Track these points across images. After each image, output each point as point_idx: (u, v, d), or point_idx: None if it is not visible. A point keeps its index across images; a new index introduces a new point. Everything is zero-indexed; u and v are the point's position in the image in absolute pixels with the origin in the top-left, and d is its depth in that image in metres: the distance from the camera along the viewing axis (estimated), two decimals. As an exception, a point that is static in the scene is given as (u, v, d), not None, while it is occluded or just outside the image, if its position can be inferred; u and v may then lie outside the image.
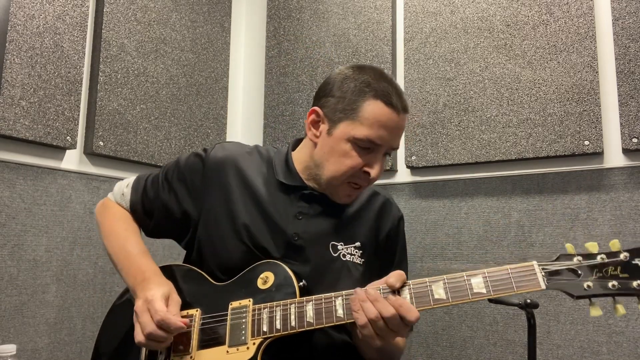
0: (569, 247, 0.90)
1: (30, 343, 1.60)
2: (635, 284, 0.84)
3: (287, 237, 1.09)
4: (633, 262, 0.85)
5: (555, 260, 0.90)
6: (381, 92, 1.04)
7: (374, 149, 1.05)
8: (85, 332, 1.75)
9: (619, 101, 1.66)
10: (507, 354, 1.76)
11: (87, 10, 1.81)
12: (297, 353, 1.04)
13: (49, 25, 1.68)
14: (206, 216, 1.14)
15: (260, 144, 1.27)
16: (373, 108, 1.03)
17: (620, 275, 0.85)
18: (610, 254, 0.87)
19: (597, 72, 1.71)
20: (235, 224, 1.11)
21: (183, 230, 1.19)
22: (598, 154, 1.70)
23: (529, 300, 1.29)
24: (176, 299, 1.03)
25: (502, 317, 1.78)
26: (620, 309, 0.85)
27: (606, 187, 1.68)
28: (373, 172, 1.06)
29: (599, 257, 0.87)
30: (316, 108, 1.11)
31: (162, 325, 0.96)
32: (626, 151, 1.65)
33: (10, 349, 1.04)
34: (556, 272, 0.88)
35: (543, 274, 0.88)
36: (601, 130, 1.68)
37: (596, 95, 1.70)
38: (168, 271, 1.16)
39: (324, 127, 1.09)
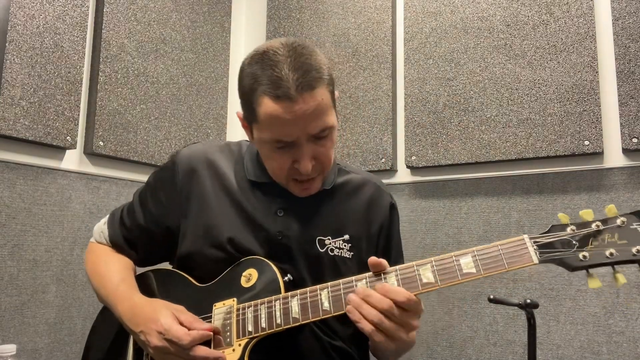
0: (562, 217, 0.85)
1: (30, 343, 1.60)
2: (634, 250, 0.78)
3: (270, 236, 1.04)
4: (631, 226, 0.80)
5: (547, 232, 0.85)
6: (266, 86, 0.91)
7: (292, 144, 0.95)
8: (85, 332, 1.73)
9: (619, 101, 1.66)
10: (507, 354, 1.76)
11: (87, 10, 1.81)
12: (286, 352, 1.01)
13: (49, 25, 1.68)
14: (186, 228, 1.09)
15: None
16: (264, 109, 0.92)
17: (619, 242, 0.80)
18: (606, 220, 0.82)
19: (597, 72, 1.71)
20: (218, 237, 1.05)
21: (172, 248, 1.12)
22: (598, 154, 1.70)
23: (529, 300, 1.29)
24: (180, 308, 0.98)
25: (502, 317, 1.78)
26: (621, 278, 0.80)
27: (606, 187, 1.68)
28: (301, 167, 0.96)
29: (593, 225, 0.82)
30: (238, 113, 1.04)
31: (194, 344, 0.91)
32: (626, 151, 1.65)
33: (10, 349, 1.04)
34: (549, 245, 0.83)
35: (535, 247, 0.83)
36: (601, 130, 1.68)
37: (596, 95, 1.70)
38: (148, 277, 1.13)
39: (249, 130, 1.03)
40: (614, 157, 1.68)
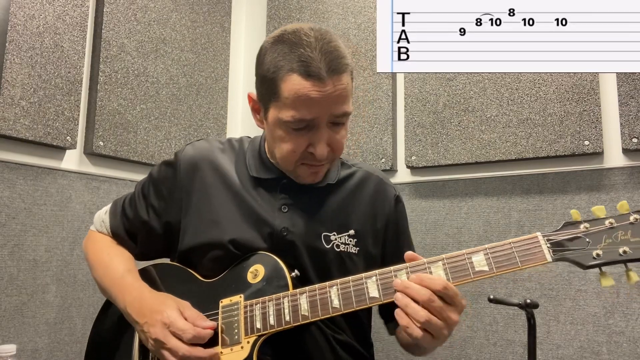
0: (574, 214, 0.83)
1: (30, 343, 1.60)
2: None
3: (276, 233, 1.03)
4: None
5: (560, 229, 0.83)
6: (297, 64, 0.91)
7: (312, 125, 0.95)
8: (85, 332, 1.74)
9: (619, 101, 1.66)
10: (507, 354, 1.76)
11: (87, 10, 1.81)
12: (291, 346, 1.01)
13: (49, 25, 1.68)
14: (187, 225, 1.08)
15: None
16: (291, 85, 0.91)
17: (632, 240, 0.78)
18: (619, 217, 0.80)
19: (597, 72, 1.71)
20: (219, 235, 1.04)
21: (171, 244, 1.12)
22: (598, 154, 1.70)
23: (529, 300, 1.29)
24: (185, 304, 0.98)
25: (502, 317, 1.78)
26: (634, 276, 0.79)
27: (606, 187, 1.67)
28: (317, 151, 0.96)
29: (607, 222, 0.81)
30: (250, 93, 1.04)
31: (195, 341, 0.92)
32: (626, 151, 1.65)
33: (10, 349, 1.04)
34: (562, 242, 0.82)
35: (548, 245, 0.82)
36: (601, 130, 1.68)
37: (596, 95, 1.70)
38: (151, 270, 1.12)
39: (261, 112, 1.02)
40: (614, 157, 1.68)
